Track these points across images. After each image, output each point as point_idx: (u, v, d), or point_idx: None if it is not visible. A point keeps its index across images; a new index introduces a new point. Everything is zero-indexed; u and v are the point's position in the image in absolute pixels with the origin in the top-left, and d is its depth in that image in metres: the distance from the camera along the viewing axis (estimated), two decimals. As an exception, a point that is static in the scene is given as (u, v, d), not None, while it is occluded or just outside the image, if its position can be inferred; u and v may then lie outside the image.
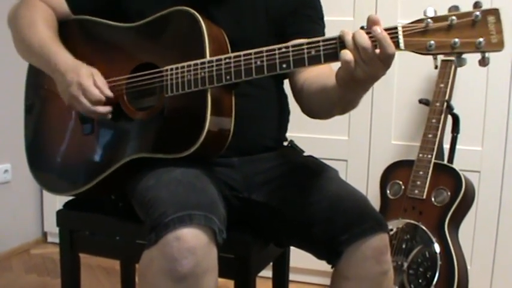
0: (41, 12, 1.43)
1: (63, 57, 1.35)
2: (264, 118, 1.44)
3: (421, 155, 2.07)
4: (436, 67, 1.09)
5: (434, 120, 2.09)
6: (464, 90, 2.26)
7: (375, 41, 1.04)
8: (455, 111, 2.14)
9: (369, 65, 1.05)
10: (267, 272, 1.64)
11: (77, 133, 1.42)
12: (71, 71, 1.32)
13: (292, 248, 1.61)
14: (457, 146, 2.16)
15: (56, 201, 2.84)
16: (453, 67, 2.10)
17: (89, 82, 1.30)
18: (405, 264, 1.97)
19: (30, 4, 1.45)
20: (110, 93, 1.32)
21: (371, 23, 1.06)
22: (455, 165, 2.11)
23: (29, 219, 3.07)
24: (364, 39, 1.04)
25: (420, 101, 2.21)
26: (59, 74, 1.34)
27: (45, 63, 1.38)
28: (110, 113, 1.34)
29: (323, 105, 1.30)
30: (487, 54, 1.02)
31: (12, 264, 2.80)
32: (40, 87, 1.48)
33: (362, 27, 1.07)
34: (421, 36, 1.04)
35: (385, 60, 1.05)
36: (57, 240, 1.60)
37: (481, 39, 1.00)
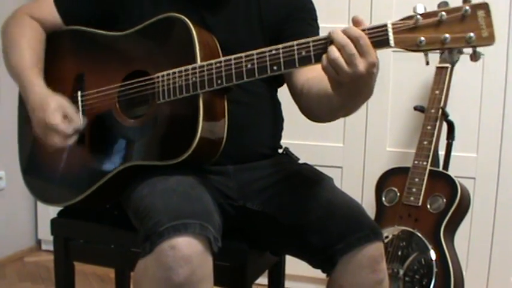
0: (26, 32, 1.42)
1: (33, 91, 1.34)
2: (258, 126, 1.44)
3: (416, 162, 2.07)
4: (427, 63, 1.07)
5: (429, 127, 2.09)
6: (459, 97, 2.26)
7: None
8: (450, 118, 2.14)
9: (350, 65, 1.03)
10: (263, 280, 1.63)
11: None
12: (38, 109, 1.31)
13: (287, 255, 1.60)
14: (452, 153, 2.17)
15: (49, 209, 2.83)
16: (448, 74, 2.11)
17: (56, 120, 1.29)
18: (401, 272, 1.97)
19: (18, 21, 1.44)
20: (80, 124, 1.32)
21: (355, 24, 1.06)
22: (451, 172, 2.11)
23: (23, 226, 3.06)
24: (343, 37, 1.03)
25: (415, 108, 2.21)
26: (30, 109, 1.34)
27: (21, 89, 1.39)
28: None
29: (324, 111, 1.29)
30: (478, 49, 1.02)
31: (5, 272, 2.78)
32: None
33: None
34: (411, 32, 1.03)
35: (365, 55, 1.03)
36: (51, 247, 1.59)
37: (471, 34, 0.99)
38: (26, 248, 3.06)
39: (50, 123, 1.29)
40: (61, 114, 1.30)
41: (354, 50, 1.03)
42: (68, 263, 1.56)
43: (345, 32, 1.04)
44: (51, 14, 1.45)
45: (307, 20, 1.46)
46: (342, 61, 1.03)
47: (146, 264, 1.08)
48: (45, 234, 2.98)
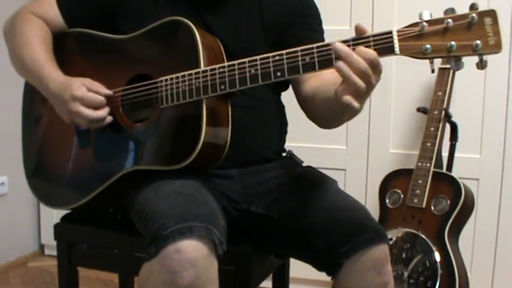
0: (35, 30, 1.42)
1: (54, 79, 1.34)
2: (262, 129, 1.43)
3: (419, 164, 2.07)
4: (432, 71, 1.07)
5: (432, 129, 2.09)
6: (462, 98, 2.26)
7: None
8: (453, 119, 2.14)
9: (367, 84, 1.04)
10: (267, 283, 1.63)
11: (73, 147, 1.41)
12: (64, 90, 1.31)
13: (292, 258, 1.60)
14: (456, 154, 2.16)
15: (53, 214, 2.82)
16: (451, 75, 2.10)
17: (82, 91, 1.29)
18: (406, 274, 1.96)
19: (25, 20, 1.44)
20: (108, 91, 1.32)
21: (359, 32, 1.06)
22: (454, 173, 2.10)
23: (26, 231, 3.05)
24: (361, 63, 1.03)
25: (418, 110, 2.21)
26: (53, 96, 1.34)
27: (38, 84, 1.38)
28: (109, 115, 1.33)
29: (329, 118, 1.29)
30: (484, 57, 1.00)
31: (9, 278, 2.77)
32: (37, 101, 1.47)
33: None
34: (417, 40, 1.02)
35: (377, 71, 1.04)
36: (54, 252, 1.59)
37: (478, 42, 0.98)
38: (29, 253, 3.06)
39: (76, 95, 1.28)
40: (86, 89, 1.30)
41: (371, 72, 1.03)
42: (71, 268, 1.56)
43: (359, 54, 1.03)
44: (53, 13, 1.45)
45: (312, 26, 1.45)
46: (361, 83, 1.03)
47: (151, 268, 1.08)
48: (48, 239, 2.99)
